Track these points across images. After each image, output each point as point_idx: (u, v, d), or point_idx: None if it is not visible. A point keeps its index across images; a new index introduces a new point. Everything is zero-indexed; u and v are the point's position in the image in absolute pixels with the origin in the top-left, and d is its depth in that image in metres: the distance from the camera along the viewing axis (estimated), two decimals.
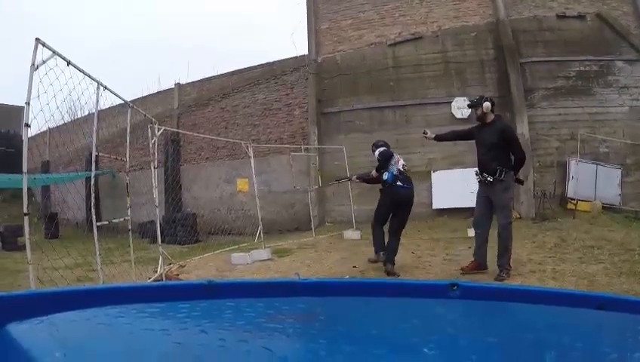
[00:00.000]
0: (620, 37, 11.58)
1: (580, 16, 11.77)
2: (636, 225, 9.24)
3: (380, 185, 6.32)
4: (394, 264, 5.96)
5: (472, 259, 5.55)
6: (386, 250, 6.09)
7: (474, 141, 5.70)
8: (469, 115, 11.51)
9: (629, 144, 11.11)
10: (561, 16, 11.80)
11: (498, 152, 5.19)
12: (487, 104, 5.25)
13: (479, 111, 5.36)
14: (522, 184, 6.18)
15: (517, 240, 7.88)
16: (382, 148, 6.23)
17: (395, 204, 6.06)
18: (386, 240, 6.23)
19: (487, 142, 5.29)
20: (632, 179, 11.06)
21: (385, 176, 6.05)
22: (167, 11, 67.28)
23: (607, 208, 10.46)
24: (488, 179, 5.19)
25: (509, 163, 5.22)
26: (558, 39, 11.69)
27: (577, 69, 11.51)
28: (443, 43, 12.22)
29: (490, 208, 5.38)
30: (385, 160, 6.10)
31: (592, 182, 10.70)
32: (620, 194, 10.83)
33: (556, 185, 10.73)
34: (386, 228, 6.35)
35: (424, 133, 6.18)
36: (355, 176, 7.50)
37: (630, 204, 10.78)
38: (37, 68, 3.20)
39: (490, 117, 5.35)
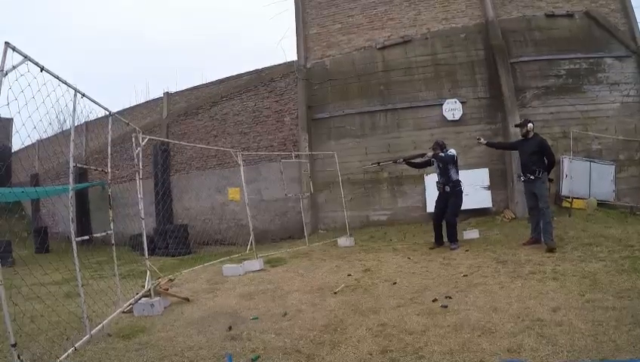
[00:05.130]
0: (609, 34, 11.59)
1: (569, 15, 11.77)
2: (632, 221, 9.16)
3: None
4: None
5: (530, 236, 7.39)
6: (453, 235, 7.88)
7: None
8: (461, 117, 11.51)
9: (621, 140, 11.07)
10: (550, 15, 11.80)
11: (536, 158, 7.02)
12: (530, 125, 7.19)
13: (524, 130, 7.23)
14: (552, 181, 7.71)
15: (514, 240, 7.82)
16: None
17: None
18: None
19: (529, 151, 7.10)
20: (626, 174, 11.02)
21: (456, 176, 7.89)
22: (154, 27, 67.17)
23: (602, 204, 10.39)
24: (531, 177, 7.02)
25: (544, 165, 7.04)
26: (547, 38, 11.67)
27: (567, 67, 11.49)
28: (432, 45, 12.16)
29: (535, 198, 7.09)
30: (455, 161, 7.90)
31: (586, 179, 10.63)
32: (614, 191, 10.77)
33: (550, 183, 10.67)
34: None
35: (478, 139, 8.28)
36: (402, 159, 8.80)
37: (625, 200, 10.72)
38: (6, 74, 3.01)
39: (531, 133, 7.20)
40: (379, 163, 9.36)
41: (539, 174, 6.94)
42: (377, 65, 12.47)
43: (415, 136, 11.78)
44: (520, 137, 7.54)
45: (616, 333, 3.28)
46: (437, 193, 8.26)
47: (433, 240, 8.27)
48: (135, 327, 4.52)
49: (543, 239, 6.97)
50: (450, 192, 7.84)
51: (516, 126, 7.78)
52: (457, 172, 7.93)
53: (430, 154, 8.07)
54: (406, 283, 5.54)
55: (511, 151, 10.81)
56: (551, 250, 6.52)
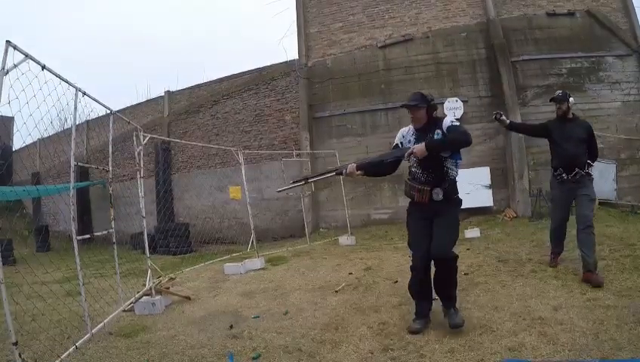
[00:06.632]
0: (610, 33, 11.56)
1: (570, 14, 11.76)
2: (633, 220, 9.15)
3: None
4: None
5: (555, 250, 5.47)
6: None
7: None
8: (462, 116, 11.47)
9: (622, 139, 11.04)
10: (551, 14, 11.78)
11: (585, 147, 5.00)
12: (572, 99, 5.14)
13: (564, 106, 5.11)
14: None
15: (515, 239, 7.81)
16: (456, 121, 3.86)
17: None
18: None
19: (574, 136, 5.01)
20: (627, 173, 10.99)
21: (454, 171, 4.03)
22: (154, 29, 67.21)
23: (603, 203, 10.35)
24: (583, 173, 4.94)
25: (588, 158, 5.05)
26: (548, 37, 11.65)
27: (568, 65, 11.47)
28: (434, 44, 12.14)
29: (569, 210, 5.15)
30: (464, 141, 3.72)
31: None
32: (615, 189, 10.74)
33: None
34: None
35: (498, 114, 5.43)
36: (356, 165, 3.96)
37: (626, 199, 10.69)
38: (7, 72, 3.01)
39: (571, 112, 5.16)
40: (306, 179, 4.74)
41: (589, 169, 4.99)
42: (378, 63, 12.46)
43: None
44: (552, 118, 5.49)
45: (618, 332, 3.28)
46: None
47: (415, 311, 3.99)
48: (136, 326, 4.53)
49: (583, 257, 4.75)
50: (444, 202, 3.92)
51: (552, 100, 5.32)
52: (457, 163, 4.01)
53: (404, 133, 4.31)
54: (407, 282, 5.53)
55: (512, 150, 10.78)
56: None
